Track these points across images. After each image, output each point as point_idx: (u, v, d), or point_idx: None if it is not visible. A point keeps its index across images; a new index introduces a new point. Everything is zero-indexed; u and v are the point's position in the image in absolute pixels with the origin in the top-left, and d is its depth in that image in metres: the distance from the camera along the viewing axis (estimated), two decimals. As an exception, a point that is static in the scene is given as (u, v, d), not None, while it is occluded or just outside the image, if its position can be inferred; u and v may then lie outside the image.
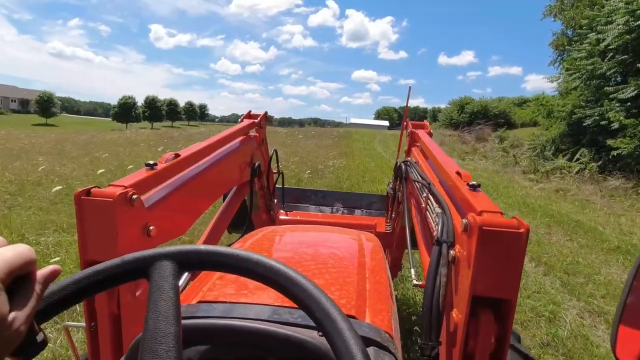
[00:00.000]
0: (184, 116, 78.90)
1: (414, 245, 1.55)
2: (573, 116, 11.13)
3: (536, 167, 10.97)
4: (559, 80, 13.43)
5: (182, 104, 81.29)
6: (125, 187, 0.92)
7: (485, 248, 0.75)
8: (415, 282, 1.26)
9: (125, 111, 56.87)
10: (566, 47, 13.01)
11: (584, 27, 10.67)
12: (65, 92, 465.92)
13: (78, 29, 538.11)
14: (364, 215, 2.84)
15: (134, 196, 0.92)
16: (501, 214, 0.83)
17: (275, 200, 2.52)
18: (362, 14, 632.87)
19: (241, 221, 1.94)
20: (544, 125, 13.10)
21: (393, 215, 2.38)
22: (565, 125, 11.72)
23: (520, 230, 0.75)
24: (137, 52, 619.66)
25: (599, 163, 9.93)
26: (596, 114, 9.71)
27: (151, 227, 0.99)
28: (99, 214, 0.87)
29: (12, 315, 0.35)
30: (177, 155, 1.21)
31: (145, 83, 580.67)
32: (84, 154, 10.29)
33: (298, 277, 0.42)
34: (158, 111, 65.16)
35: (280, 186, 2.52)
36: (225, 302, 0.74)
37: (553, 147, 11.98)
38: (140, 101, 62.93)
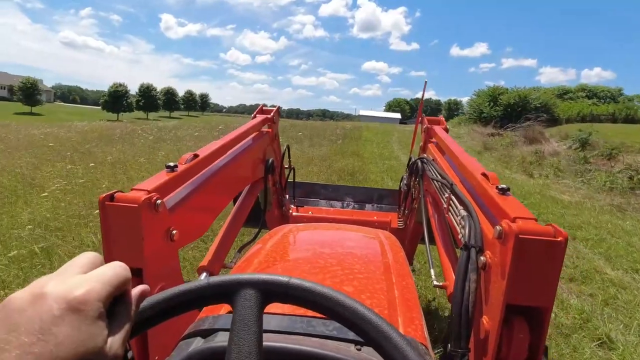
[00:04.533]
0: (182, 106, 74.25)
1: (431, 242, 1.55)
2: None
3: None
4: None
5: (187, 93, 77.23)
6: (149, 192, 0.89)
7: (521, 256, 0.74)
8: (435, 282, 1.27)
9: (115, 100, 52.13)
10: None
11: None
12: (76, 81, 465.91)
13: (89, 19, 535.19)
14: (374, 211, 2.74)
15: (158, 201, 0.90)
16: (536, 220, 0.79)
17: (287, 196, 2.41)
18: (374, 4, 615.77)
19: (253, 216, 1.83)
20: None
21: (406, 212, 2.31)
22: None
23: (559, 239, 0.74)
24: (147, 41, 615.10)
25: None
26: None
27: (174, 231, 0.97)
28: (124, 220, 0.85)
29: (110, 339, 0.34)
30: (195, 156, 1.19)
31: (154, 73, 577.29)
32: None
33: (387, 329, 0.41)
34: (153, 100, 60.53)
35: (291, 181, 2.45)
36: None
37: None
38: (133, 90, 58.50)
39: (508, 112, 25.39)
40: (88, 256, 0.37)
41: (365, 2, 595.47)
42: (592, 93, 31.90)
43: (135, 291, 0.40)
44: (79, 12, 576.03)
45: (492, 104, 27.18)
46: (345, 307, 0.41)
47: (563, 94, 31.89)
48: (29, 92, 49.84)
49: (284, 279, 0.43)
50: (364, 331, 0.41)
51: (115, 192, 0.87)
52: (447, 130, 1.94)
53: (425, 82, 2.74)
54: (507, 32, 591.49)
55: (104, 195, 0.85)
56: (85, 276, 0.34)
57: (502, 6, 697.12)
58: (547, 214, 5.74)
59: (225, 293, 0.43)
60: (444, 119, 2.09)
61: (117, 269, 0.36)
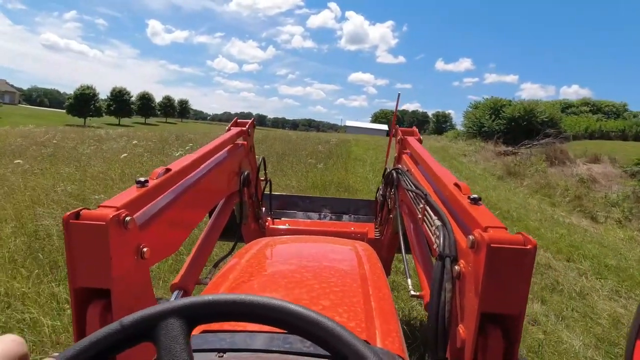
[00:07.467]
0: (159, 112, 70.19)
1: (407, 252, 1.61)
2: None
3: None
4: None
5: (176, 99, 73.45)
6: (118, 208, 0.85)
7: (493, 265, 0.75)
8: (412, 292, 1.30)
9: (82, 103, 47.80)
10: None
11: None
12: (55, 84, 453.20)
13: (74, 22, 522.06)
14: (352, 222, 2.75)
15: (127, 218, 0.85)
16: (506, 229, 0.82)
17: (263, 209, 2.39)
18: (362, 17, 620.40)
19: (229, 230, 1.83)
20: None
21: (382, 222, 2.35)
22: None
23: (528, 247, 0.76)
24: (133, 47, 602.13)
25: None
26: None
27: (145, 249, 0.93)
28: (90, 239, 0.81)
29: None
30: (168, 170, 1.16)
31: (139, 78, 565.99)
32: None
33: (322, 319, 0.40)
34: (126, 105, 56.43)
35: (268, 193, 2.45)
36: (233, 331, 0.72)
37: None
38: (103, 93, 54.34)
39: (512, 126, 22.77)
40: None
41: (354, 15, 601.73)
42: (596, 108, 29.69)
43: None
44: (62, 15, 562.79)
45: (493, 116, 24.46)
46: (276, 311, 0.39)
47: (565, 107, 29.58)
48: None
49: (207, 298, 0.41)
50: (306, 330, 0.39)
51: (80, 210, 0.81)
52: (420, 140, 1.95)
53: (399, 94, 2.86)
54: (490, 49, 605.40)
55: (68, 213, 0.80)
56: None
57: (486, 24, 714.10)
58: None
59: (143, 330, 0.39)
60: (416, 129, 2.10)
61: (8, 345, 0.30)
